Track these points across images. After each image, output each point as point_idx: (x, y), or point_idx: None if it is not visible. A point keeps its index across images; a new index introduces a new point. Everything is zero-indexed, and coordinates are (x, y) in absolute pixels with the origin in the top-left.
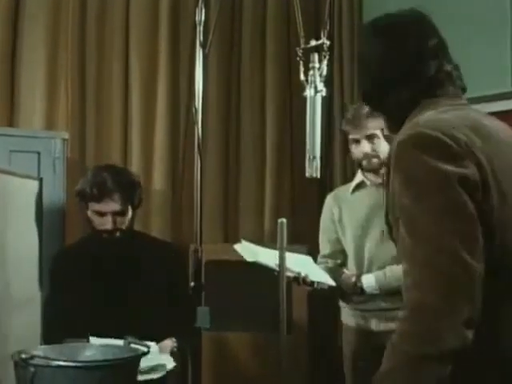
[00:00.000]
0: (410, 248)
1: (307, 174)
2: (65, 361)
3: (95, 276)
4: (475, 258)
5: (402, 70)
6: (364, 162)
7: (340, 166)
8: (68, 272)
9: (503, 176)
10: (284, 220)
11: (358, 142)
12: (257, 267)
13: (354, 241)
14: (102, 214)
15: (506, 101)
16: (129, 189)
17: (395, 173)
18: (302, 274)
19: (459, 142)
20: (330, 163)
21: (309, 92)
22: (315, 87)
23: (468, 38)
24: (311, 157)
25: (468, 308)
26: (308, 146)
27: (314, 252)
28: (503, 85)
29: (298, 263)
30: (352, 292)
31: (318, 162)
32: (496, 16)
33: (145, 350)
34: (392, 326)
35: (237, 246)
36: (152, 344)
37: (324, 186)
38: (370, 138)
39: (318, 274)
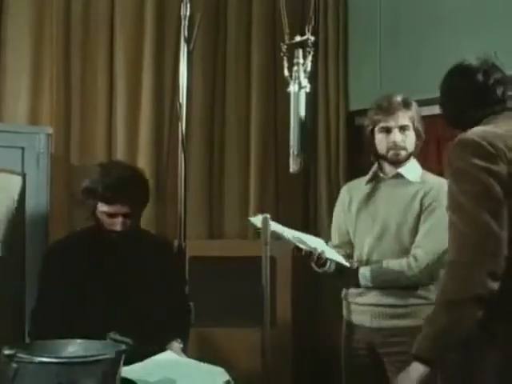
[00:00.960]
0: (453, 220)
1: (291, 170)
2: (48, 357)
3: (95, 274)
4: (501, 227)
5: (476, 96)
6: (391, 153)
7: (325, 163)
8: (64, 268)
9: None
10: (268, 215)
11: (388, 131)
12: (239, 262)
13: (358, 232)
14: (112, 216)
15: None
16: (141, 190)
17: (448, 167)
18: (319, 250)
19: (496, 147)
20: (315, 159)
21: (293, 88)
22: (299, 83)
23: (457, 40)
24: (295, 152)
25: (492, 263)
26: (292, 142)
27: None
28: None
29: (313, 241)
30: (349, 284)
31: (301, 157)
32: (485, 17)
33: (124, 347)
34: (387, 323)
35: (252, 218)
36: (168, 353)
37: (308, 182)
38: (403, 128)
39: (333, 254)
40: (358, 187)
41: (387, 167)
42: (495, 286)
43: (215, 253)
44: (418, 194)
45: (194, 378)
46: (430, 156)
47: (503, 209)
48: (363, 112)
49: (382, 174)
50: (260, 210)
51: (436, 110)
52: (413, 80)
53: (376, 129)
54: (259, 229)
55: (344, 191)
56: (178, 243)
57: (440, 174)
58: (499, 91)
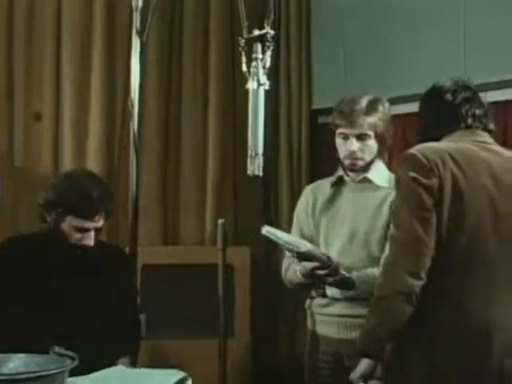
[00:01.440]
0: (392, 225)
1: (249, 172)
2: None
3: (42, 284)
4: (427, 234)
5: (440, 115)
6: (347, 162)
7: (286, 163)
8: (11, 271)
9: (467, 190)
10: (224, 220)
11: (346, 138)
12: (196, 270)
13: (322, 237)
14: (83, 230)
15: None
16: (111, 203)
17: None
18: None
19: (429, 160)
20: (276, 161)
21: (251, 85)
22: (258, 80)
23: (420, 29)
24: (253, 153)
25: (412, 263)
26: (250, 142)
27: (257, 255)
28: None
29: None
30: (316, 293)
31: (260, 159)
32: (449, 6)
33: (71, 362)
34: (355, 335)
35: (263, 231)
36: (118, 367)
37: (268, 185)
38: (362, 137)
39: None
40: (323, 189)
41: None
42: (416, 283)
43: (170, 260)
44: (386, 199)
45: (145, 381)
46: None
47: (432, 218)
48: (327, 110)
49: (347, 178)
50: (218, 214)
51: (409, 108)
52: (383, 76)
53: (336, 133)
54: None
55: (308, 192)
56: (130, 250)
57: None
58: (464, 110)
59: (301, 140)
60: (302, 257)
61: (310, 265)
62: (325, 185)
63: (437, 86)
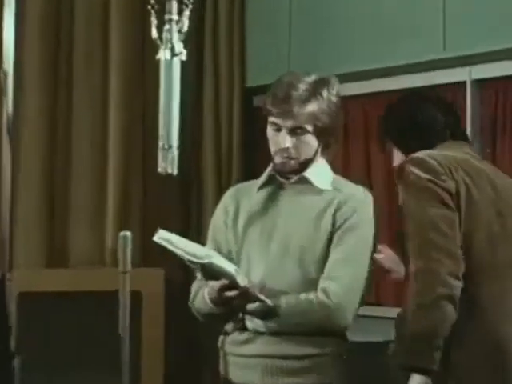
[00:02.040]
0: (409, 230)
1: (160, 169)
2: None
3: None
4: (453, 229)
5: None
6: (277, 159)
7: (212, 158)
8: None
9: (478, 200)
10: (128, 234)
11: (278, 129)
12: (91, 299)
13: (245, 254)
14: None
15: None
16: None
17: (400, 184)
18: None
19: (442, 165)
20: (198, 156)
21: (163, 54)
22: (172, 48)
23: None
24: (165, 146)
25: (451, 265)
26: (161, 131)
27: (173, 279)
28: (435, 50)
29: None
30: (232, 327)
31: (174, 152)
32: None
33: None
34: (284, 381)
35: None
36: None
37: (189, 185)
38: (295, 131)
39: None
40: (248, 193)
41: None
42: (457, 283)
43: (55, 287)
44: (329, 206)
45: None
46: (355, 145)
47: (457, 220)
48: (265, 89)
49: (280, 178)
50: (122, 225)
51: (369, 86)
52: (338, 48)
53: (268, 120)
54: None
55: (229, 197)
56: (1, 275)
57: (366, 167)
58: (448, 121)
59: (231, 127)
60: (207, 273)
61: (217, 284)
62: (251, 188)
63: (413, 95)
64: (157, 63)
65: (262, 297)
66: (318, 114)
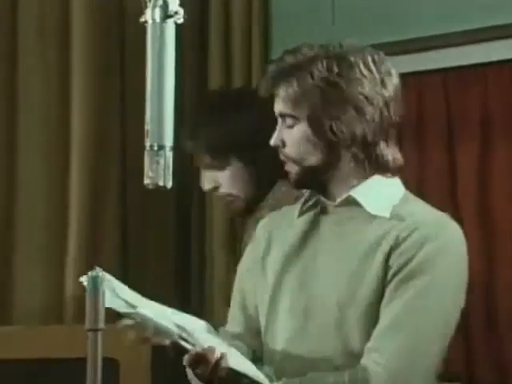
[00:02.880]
0: None
1: (146, 181)
2: None
3: None
4: None
5: None
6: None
7: None
8: None
9: None
10: (100, 273)
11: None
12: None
13: (274, 312)
14: None
15: None
16: None
17: None
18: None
19: None
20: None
21: (150, 15)
22: (164, 6)
23: None
24: (155, 147)
25: None
26: (149, 126)
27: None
28: None
29: (189, 324)
30: None
31: (168, 156)
32: None
33: None
34: None
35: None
36: None
37: (188, 204)
38: (285, 120)
39: (238, 359)
40: (284, 223)
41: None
42: None
43: None
44: (382, 241)
45: None
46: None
47: None
48: None
49: (324, 199)
50: (90, 264)
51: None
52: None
53: None
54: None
55: (260, 230)
56: None
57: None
58: None
59: None
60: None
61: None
62: (289, 214)
63: None
64: (141, 29)
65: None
66: (308, 95)
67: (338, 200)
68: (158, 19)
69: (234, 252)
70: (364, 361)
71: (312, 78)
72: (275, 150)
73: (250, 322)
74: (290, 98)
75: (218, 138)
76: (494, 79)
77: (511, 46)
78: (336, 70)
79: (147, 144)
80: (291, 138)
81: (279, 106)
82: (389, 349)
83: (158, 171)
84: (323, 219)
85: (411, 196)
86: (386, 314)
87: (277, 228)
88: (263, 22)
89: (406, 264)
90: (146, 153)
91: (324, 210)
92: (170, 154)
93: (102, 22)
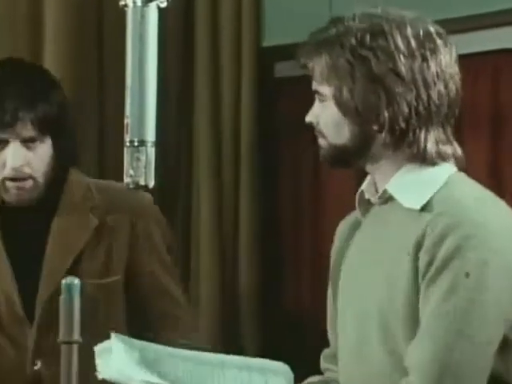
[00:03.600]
0: None
1: (126, 180)
2: None
3: None
4: None
5: None
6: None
7: (210, 162)
8: None
9: None
10: (76, 281)
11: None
12: None
13: (342, 328)
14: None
15: None
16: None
17: None
18: None
19: None
20: (189, 157)
21: None
22: None
23: None
24: (135, 143)
25: None
26: (129, 119)
27: None
28: None
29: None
30: None
31: (151, 153)
32: None
33: None
34: None
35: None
36: None
37: (172, 205)
38: (317, 95)
39: None
40: (355, 225)
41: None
42: None
43: None
44: (411, 238)
45: None
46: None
47: None
48: (295, 50)
49: (368, 195)
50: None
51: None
52: None
53: None
54: None
55: (338, 234)
56: None
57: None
58: None
59: (239, 111)
60: None
61: None
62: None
63: None
64: (121, 14)
65: None
66: (342, 74)
67: (378, 195)
68: (139, 2)
69: (223, 253)
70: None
71: (342, 50)
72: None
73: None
74: (319, 73)
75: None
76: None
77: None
78: (368, 41)
79: (127, 139)
80: (322, 116)
81: (313, 82)
82: (417, 358)
83: (139, 169)
84: (371, 219)
85: (460, 178)
86: (425, 314)
87: (348, 234)
88: (254, 4)
89: (429, 265)
90: (125, 149)
91: (370, 208)
92: (152, 151)
93: (78, 10)
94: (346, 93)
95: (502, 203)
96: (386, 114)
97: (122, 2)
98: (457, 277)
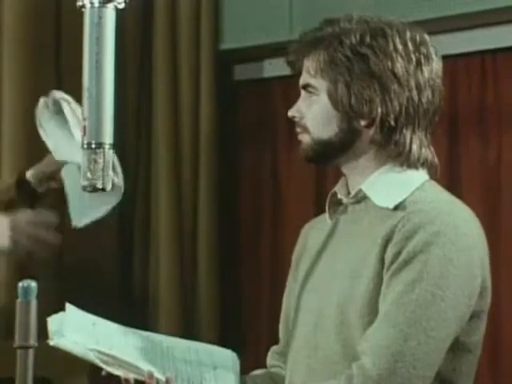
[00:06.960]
0: None
1: (84, 183)
2: None
3: None
4: None
5: None
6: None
7: (168, 166)
8: None
9: None
10: (33, 284)
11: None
12: None
13: (301, 319)
14: None
15: None
16: None
17: None
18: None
19: None
20: (147, 161)
21: None
22: None
23: None
24: (93, 145)
25: None
26: (87, 122)
27: None
28: None
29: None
30: None
31: (108, 155)
32: None
33: None
34: None
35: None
36: None
37: (130, 208)
38: (306, 89)
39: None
40: (319, 226)
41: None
42: None
43: None
44: (380, 234)
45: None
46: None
47: None
48: (256, 53)
49: (340, 195)
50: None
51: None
52: None
53: None
54: None
55: (301, 236)
56: None
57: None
58: None
59: (198, 113)
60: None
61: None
62: (324, 217)
63: None
64: (78, 15)
65: None
66: (331, 68)
67: (351, 195)
68: (96, 3)
69: (181, 254)
70: (356, 363)
71: (341, 46)
72: None
73: (286, 335)
74: (314, 67)
75: None
76: None
77: None
78: (368, 40)
79: (84, 142)
80: (311, 110)
81: (303, 77)
82: (376, 344)
83: (97, 172)
84: (342, 218)
85: (433, 186)
86: (383, 306)
87: (311, 234)
88: (213, 6)
89: (396, 256)
90: (82, 152)
91: (345, 209)
92: (109, 153)
93: (37, 8)
94: (341, 86)
95: (468, 209)
96: (379, 110)
97: (79, 3)
98: (421, 270)
